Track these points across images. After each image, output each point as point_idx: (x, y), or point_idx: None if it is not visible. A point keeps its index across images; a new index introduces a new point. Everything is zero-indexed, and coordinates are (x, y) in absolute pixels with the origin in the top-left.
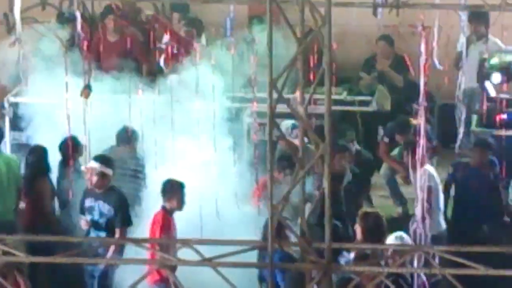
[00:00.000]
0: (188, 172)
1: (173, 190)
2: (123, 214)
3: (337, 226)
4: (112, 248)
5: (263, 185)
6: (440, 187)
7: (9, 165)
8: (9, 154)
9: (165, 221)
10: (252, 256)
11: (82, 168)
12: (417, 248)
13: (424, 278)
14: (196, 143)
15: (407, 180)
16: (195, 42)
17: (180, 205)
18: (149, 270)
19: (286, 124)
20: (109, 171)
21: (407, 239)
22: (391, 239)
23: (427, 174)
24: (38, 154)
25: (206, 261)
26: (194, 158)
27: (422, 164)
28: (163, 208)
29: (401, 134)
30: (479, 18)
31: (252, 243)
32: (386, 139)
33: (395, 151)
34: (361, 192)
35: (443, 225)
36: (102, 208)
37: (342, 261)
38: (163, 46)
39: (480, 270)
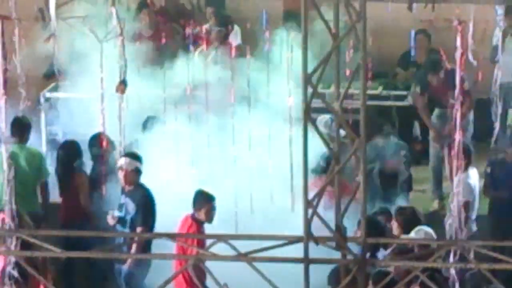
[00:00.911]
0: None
1: (203, 202)
2: (144, 214)
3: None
4: (134, 246)
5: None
6: (478, 192)
7: (32, 159)
8: (33, 148)
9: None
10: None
11: (119, 164)
12: (454, 243)
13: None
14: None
15: (440, 143)
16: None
17: (209, 218)
18: (180, 269)
19: (324, 118)
20: (140, 165)
21: (430, 232)
22: (412, 234)
23: (466, 182)
24: (69, 149)
25: (241, 256)
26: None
27: (459, 159)
28: (193, 217)
29: (433, 72)
30: None
31: (287, 238)
32: (417, 89)
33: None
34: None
35: (474, 227)
36: (128, 205)
37: (379, 255)
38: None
39: None
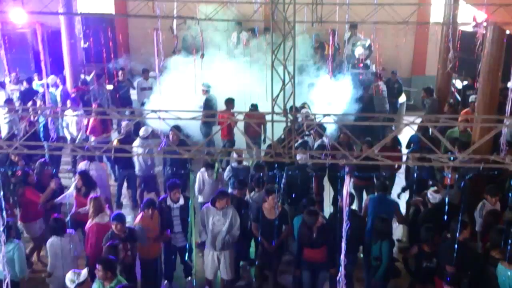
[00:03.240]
0: None
1: (230, 101)
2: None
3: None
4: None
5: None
6: None
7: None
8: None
9: (230, 113)
10: None
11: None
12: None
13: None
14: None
15: None
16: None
17: (232, 106)
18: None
19: None
20: (210, 88)
21: (307, 111)
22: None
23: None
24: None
25: (246, 116)
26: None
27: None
28: (226, 109)
29: (322, 50)
30: (353, 26)
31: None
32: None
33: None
34: None
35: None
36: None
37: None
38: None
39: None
